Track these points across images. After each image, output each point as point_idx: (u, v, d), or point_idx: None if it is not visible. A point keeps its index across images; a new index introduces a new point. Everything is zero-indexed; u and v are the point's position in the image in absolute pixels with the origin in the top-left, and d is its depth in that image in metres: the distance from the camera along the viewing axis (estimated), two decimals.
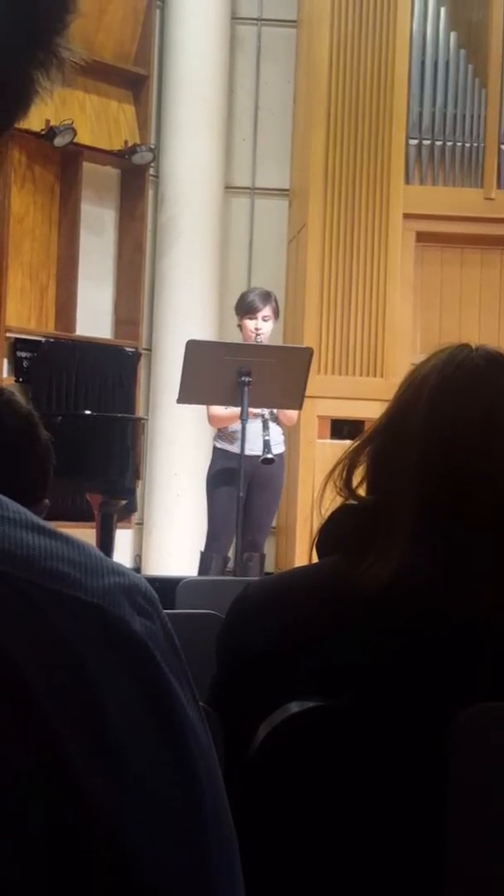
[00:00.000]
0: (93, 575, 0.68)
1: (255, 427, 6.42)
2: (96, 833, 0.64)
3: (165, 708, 0.68)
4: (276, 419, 6.60)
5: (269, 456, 6.33)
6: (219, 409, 6.61)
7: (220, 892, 0.69)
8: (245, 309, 6.75)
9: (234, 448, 6.72)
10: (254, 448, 6.45)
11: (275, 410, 6.51)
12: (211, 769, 0.71)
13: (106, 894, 0.64)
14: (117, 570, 0.70)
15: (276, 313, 6.81)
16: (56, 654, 0.65)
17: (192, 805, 0.69)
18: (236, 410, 6.49)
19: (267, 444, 6.31)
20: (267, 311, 6.72)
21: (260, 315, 6.69)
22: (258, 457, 6.36)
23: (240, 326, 6.82)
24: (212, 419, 6.76)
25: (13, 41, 0.69)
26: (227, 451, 6.78)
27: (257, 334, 6.66)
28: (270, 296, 6.85)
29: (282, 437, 6.76)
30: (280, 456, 6.60)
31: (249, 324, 6.70)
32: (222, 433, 6.84)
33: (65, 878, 0.63)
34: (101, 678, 0.66)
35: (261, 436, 6.36)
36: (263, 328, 6.69)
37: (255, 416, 6.40)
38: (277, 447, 6.57)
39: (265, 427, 6.40)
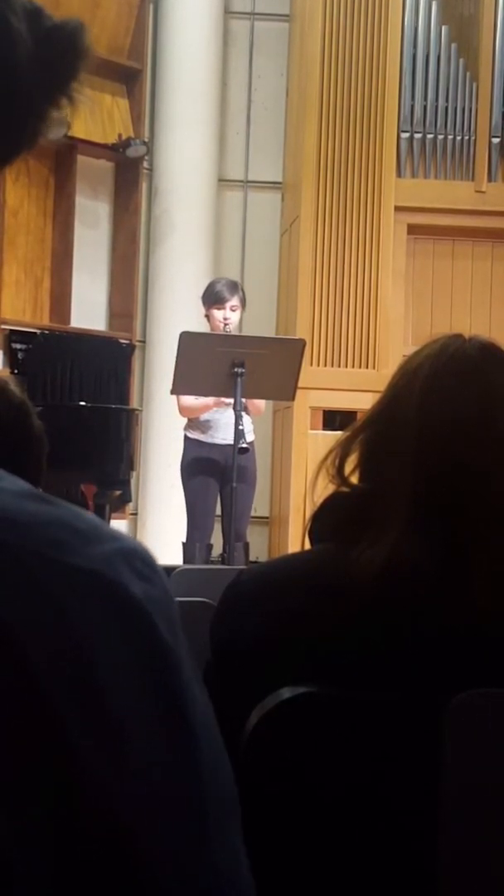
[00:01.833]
0: (92, 541, 0.69)
1: (228, 417, 6.41)
2: (95, 809, 0.64)
3: (164, 673, 0.69)
4: (245, 409, 6.56)
5: (244, 445, 6.30)
6: (189, 400, 6.57)
7: (219, 858, 0.70)
8: (213, 299, 6.70)
9: (207, 438, 6.73)
10: (227, 437, 6.46)
11: (244, 400, 6.48)
12: (211, 734, 0.71)
13: (104, 867, 0.64)
14: (115, 536, 0.71)
15: (242, 303, 6.77)
16: (56, 626, 0.65)
17: (191, 773, 0.69)
18: (207, 401, 6.50)
19: (241, 434, 6.29)
20: (235, 300, 6.68)
21: (228, 305, 6.65)
22: (232, 446, 6.32)
23: (207, 316, 6.77)
24: (182, 410, 6.69)
25: (36, 89, 0.78)
26: (199, 441, 6.75)
27: (226, 324, 6.62)
28: (237, 286, 6.83)
29: (251, 426, 6.73)
30: (251, 444, 6.58)
31: (217, 314, 6.65)
32: (193, 423, 6.79)
33: (66, 855, 0.63)
34: (101, 648, 0.66)
35: (234, 425, 6.32)
36: (232, 318, 6.66)
37: (228, 405, 6.39)
38: (249, 435, 6.54)
39: (238, 418, 6.36)
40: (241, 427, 6.21)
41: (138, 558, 0.71)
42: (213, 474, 6.72)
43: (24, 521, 0.67)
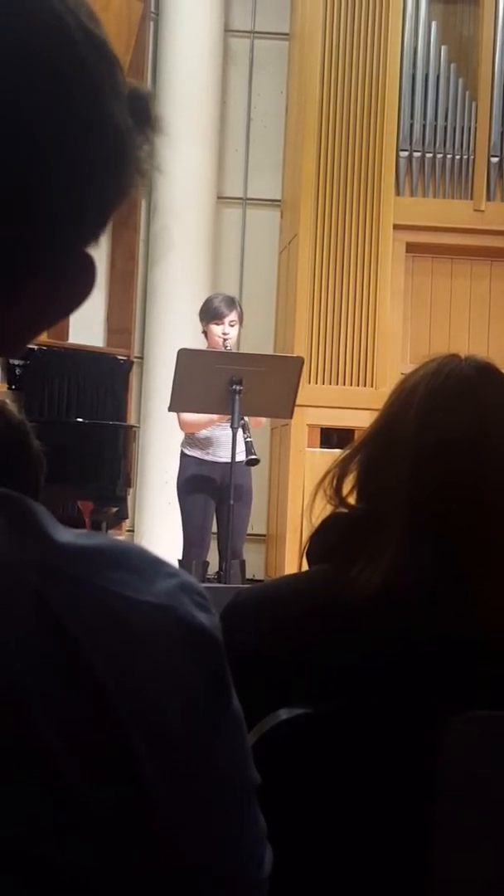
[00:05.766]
0: (154, 578, 0.75)
1: (229, 434, 6.37)
2: (154, 818, 0.69)
3: (226, 688, 0.77)
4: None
5: (254, 456, 6.32)
6: (190, 415, 6.58)
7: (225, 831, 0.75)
8: (212, 315, 6.71)
9: (207, 455, 6.73)
10: (227, 455, 6.42)
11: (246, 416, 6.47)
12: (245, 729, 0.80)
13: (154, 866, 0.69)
14: (173, 572, 0.77)
15: (240, 318, 6.77)
16: (135, 656, 0.70)
17: (244, 764, 0.78)
18: (212, 416, 6.52)
19: (249, 446, 6.29)
20: (233, 316, 6.68)
21: (227, 320, 6.66)
22: (230, 464, 6.30)
23: (205, 333, 6.78)
24: (183, 424, 6.68)
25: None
26: (198, 459, 6.75)
27: (225, 339, 6.63)
28: (235, 301, 6.85)
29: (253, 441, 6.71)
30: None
31: (216, 329, 6.65)
32: (192, 440, 6.78)
33: (117, 856, 0.67)
34: (175, 670, 0.72)
35: (240, 441, 6.31)
36: (231, 333, 6.66)
37: (229, 421, 6.36)
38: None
39: (245, 429, 6.36)
40: (248, 439, 6.23)
41: (195, 591, 0.77)
42: (210, 492, 6.71)
43: (92, 559, 0.73)
